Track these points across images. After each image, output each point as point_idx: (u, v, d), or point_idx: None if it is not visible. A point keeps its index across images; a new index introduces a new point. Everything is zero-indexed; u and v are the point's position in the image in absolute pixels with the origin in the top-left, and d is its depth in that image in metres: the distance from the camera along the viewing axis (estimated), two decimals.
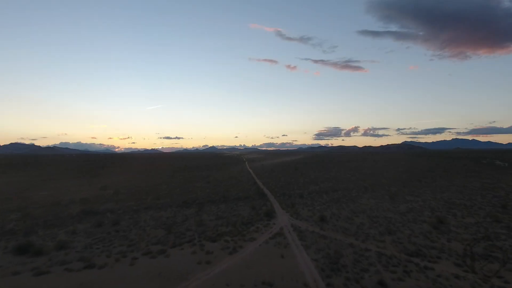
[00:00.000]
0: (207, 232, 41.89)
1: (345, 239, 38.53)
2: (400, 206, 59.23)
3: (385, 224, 45.93)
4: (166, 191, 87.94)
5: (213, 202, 66.61)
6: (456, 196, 69.43)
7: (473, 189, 79.37)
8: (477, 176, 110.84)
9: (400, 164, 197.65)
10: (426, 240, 37.86)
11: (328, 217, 50.10)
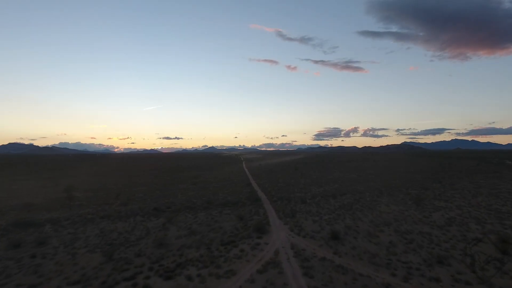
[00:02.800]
0: (165, 260, 27.91)
1: (376, 274, 24.58)
2: (432, 215, 45.30)
3: (425, 244, 32.02)
4: (142, 193, 73.80)
5: (191, 209, 52.56)
6: (496, 201, 55.62)
7: (509, 192, 65.64)
8: (500, 177, 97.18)
9: (405, 164, 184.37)
10: (500, 273, 24.01)
11: (342, 232, 36.13)
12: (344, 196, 64.35)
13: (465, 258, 26.80)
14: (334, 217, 44.63)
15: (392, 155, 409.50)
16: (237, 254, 29.22)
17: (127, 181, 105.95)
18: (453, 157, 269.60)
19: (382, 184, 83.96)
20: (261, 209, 51.83)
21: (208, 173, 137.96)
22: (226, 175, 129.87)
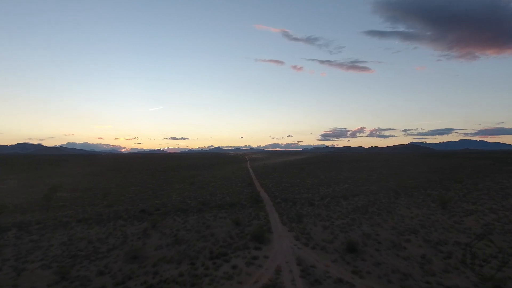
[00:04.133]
0: (134, 280, 21.54)
1: None
2: (465, 221, 38.19)
3: (468, 260, 25.05)
4: (134, 194, 67.71)
5: (183, 212, 46.14)
6: None
7: None
8: None
9: (416, 164, 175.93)
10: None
11: (360, 242, 29.34)
12: (356, 198, 57.38)
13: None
14: (348, 223, 37.79)
15: (400, 155, 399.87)
16: (228, 273, 22.67)
17: (122, 180, 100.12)
18: (466, 157, 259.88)
19: (397, 184, 76.64)
20: (262, 212, 45.18)
21: (208, 172, 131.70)
22: (227, 174, 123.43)
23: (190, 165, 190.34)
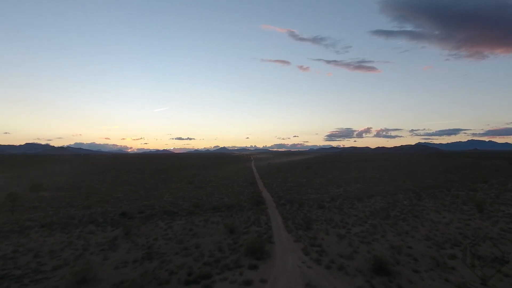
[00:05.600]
0: None
1: None
2: None
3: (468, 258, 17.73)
4: (123, 193, 61.08)
5: (170, 215, 39.19)
6: None
7: None
8: None
9: (429, 164, 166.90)
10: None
11: (389, 259, 21.95)
12: (372, 199, 49.81)
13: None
14: (368, 230, 30.38)
15: (410, 155, 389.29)
16: None
17: (118, 179, 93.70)
18: (480, 157, 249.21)
19: (415, 185, 68.77)
20: (264, 216, 37.95)
21: (210, 172, 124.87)
22: (229, 173, 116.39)
23: (193, 165, 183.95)
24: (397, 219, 35.12)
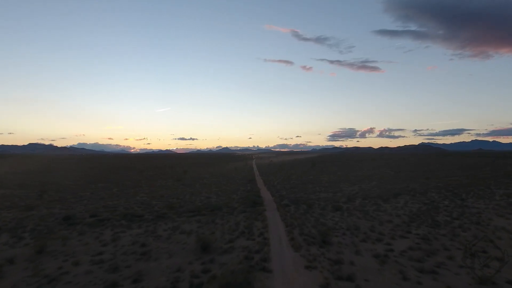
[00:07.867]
0: None
1: None
2: None
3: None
4: (91, 191, 50.52)
5: (130, 220, 28.43)
6: None
7: None
8: None
9: (441, 162, 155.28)
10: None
11: None
12: (400, 199, 38.82)
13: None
14: (421, 247, 19.32)
15: (415, 154, 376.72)
16: None
17: (97, 177, 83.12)
18: (491, 156, 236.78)
19: (443, 182, 57.69)
20: (259, 221, 27.03)
21: (206, 169, 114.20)
22: (228, 171, 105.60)
23: (192, 163, 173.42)
24: (452, 227, 24.16)
